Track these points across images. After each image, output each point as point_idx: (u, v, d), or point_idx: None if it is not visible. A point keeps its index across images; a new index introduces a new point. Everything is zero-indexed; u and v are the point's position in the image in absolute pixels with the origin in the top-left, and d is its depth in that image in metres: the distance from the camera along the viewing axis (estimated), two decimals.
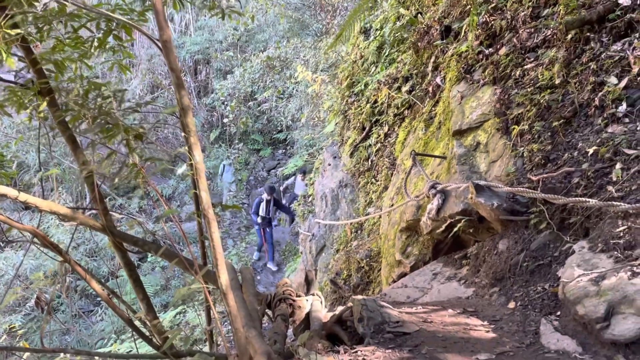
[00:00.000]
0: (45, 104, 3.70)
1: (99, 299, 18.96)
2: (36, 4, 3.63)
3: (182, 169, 3.45)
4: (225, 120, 24.83)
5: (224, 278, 3.63)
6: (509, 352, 3.68)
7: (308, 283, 11.57)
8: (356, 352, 3.78)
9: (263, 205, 17.75)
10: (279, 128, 26.38)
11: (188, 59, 28.51)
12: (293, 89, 20.98)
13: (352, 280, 8.08)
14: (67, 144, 3.87)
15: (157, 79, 27.01)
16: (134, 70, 27.34)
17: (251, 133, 27.38)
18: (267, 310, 5.06)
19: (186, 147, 3.41)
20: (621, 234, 3.94)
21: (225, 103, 24.28)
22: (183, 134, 3.48)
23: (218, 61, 28.39)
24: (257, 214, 17.93)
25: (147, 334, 4.34)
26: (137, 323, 4.32)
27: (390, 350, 3.74)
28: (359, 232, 9.15)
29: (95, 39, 3.99)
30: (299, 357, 3.75)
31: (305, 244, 12.20)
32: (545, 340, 3.78)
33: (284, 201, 20.42)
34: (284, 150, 28.10)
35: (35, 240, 3.80)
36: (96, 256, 20.54)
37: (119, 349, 13.32)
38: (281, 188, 22.43)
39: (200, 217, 3.83)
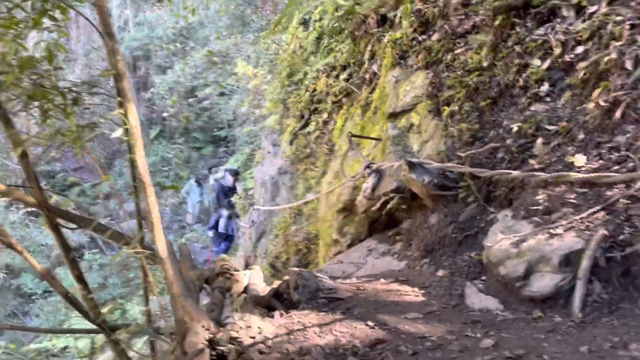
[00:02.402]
0: None
1: (34, 297, 18.47)
2: None
3: (117, 133, 3.48)
4: (165, 114, 24.54)
5: (160, 244, 3.67)
6: (436, 312, 3.87)
7: (247, 268, 11.56)
8: (291, 316, 3.89)
9: (223, 221, 15.62)
10: (220, 125, 26.22)
11: (127, 54, 28.06)
12: (234, 85, 20.92)
13: (291, 263, 8.20)
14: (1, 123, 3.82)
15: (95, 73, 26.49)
16: (71, 66, 26.73)
17: (192, 131, 27.11)
18: (205, 285, 5.10)
19: (121, 111, 3.44)
20: (540, 202, 4.18)
21: (166, 98, 24.01)
22: (118, 98, 3.52)
23: (158, 57, 28.04)
24: (215, 229, 15.98)
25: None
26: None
27: (323, 313, 3.87)
28: (298, 217, 9.27)
29: (30, 19, 3.96)
30: (234, 321, 3.82)
31: (245, 231, 12.24)
32: (470, 301, 3.99)
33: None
34: (225, 148, 27.94)
35: None
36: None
37: (54, 345, 13.04)
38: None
39: (135, 182, 3.84)
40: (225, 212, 15.69)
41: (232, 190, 15.69)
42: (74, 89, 3.59)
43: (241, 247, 13.26)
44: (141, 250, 3.63)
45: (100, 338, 4.61)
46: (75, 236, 19.14)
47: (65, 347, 13.15)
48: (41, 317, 17.22)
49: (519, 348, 3.09)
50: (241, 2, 22.27)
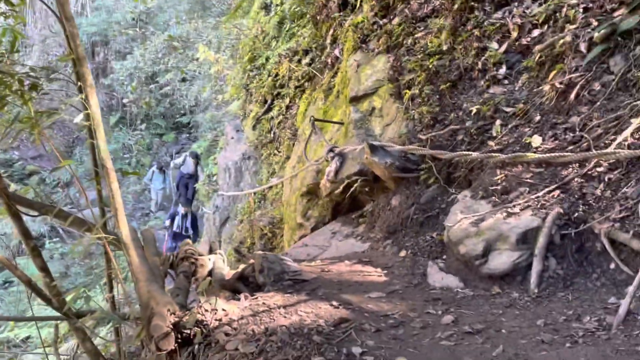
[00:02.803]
0: None
1: None
2: None
3: (78, 118, 3.45)
4: (125, 100, 24.15)
5: (124, 229, 3.66)
6: (398, 291, 3.95)
7: (212, 253, 11.54)
8: (256, 298, 3.92)
9: (178, 219, 13.96)
10: (182, 112, 25.91)
11: (85, 40, 27.47)
12: (196, 70, 20.69)
13: (256, 247, 8.23)
14: None
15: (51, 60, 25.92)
16: (27, 52, 26.09)
17: (153, 117, 26.73)
18: (169, 270, 5.09)
19: (82, 96, 3.41)
20: (499, 182, 4.29)
21: (126, 84, 23.62)
22: (79, 83, 3.48)
23: (117, 42, 27.53)
24: (171, 227, 14.32)
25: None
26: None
27: (288, 295, 3.91)
28: (262, 201, 9.30)
29: None
30: (199, 304, 3.83)
31: (209, 216, 12.21)
32: (431, 279, 4.08)
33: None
34: (187, 135, 27.63)
35: None
36: None
37: (17, 335, 12.84)
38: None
39: (96, 167, 3.82)
40: (181, 210, 14.15)
41: (192, 177, 15.07)
42: (31, 74, 3.54)
43: (205, 232, 13.23)
44: (104, 235, 3.61)
45: (65, 326, 4.58)
46: (35, 225, 18.81)
47: (28, 337, 12.96)
48: (2, 307, 16.93)
49: (478, 323, 3.19)
50: None
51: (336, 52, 7.89)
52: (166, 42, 21.35)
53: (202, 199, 15.82)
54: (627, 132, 3.76)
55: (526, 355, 2.77)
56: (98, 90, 27.31)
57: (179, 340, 3.48)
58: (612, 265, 3.38)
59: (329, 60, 8.04)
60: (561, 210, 3.67)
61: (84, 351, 4.51)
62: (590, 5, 4.78)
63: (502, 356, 2.79)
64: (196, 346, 3.44)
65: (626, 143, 3.71)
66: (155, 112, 26.50)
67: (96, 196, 4.35)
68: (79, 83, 3.40)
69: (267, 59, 9.89)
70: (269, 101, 9.83)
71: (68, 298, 4.43)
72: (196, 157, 16.60)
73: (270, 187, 8.59)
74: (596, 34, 4.45)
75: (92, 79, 3.43)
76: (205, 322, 3.52)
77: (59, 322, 5.16)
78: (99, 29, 27.34)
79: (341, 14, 7.84)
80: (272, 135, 9.49)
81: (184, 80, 22.45)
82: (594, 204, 3.65)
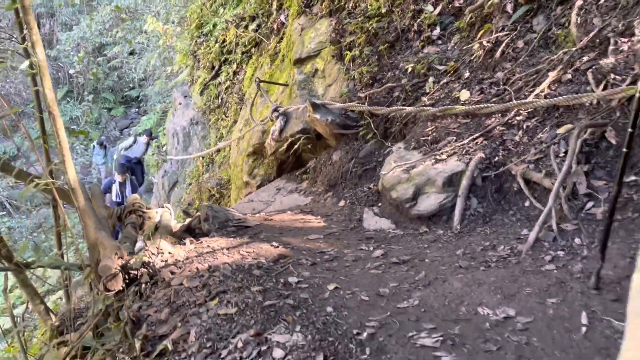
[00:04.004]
0: None
1: None
2: None
3: (24, 64, 3.55)
4: (72, 72, 23.71)
5: (71, 173, 3.80)
6: (335, 233, 4.22)
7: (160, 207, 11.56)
8: (201, 242, 4.13)
9: (115, 188, 12.32)
10: (130, 85, 25.62)
11: None
12: (144, 43, 20.46)
13: None
14: None
15: None
16: None
17: (102, 91, 26.32)
18: (117, 222, 5.23)
19: (28, 44, 3.52)
20: (429, 133, 4.58)
21: (72, 54, 23.19)
22: (25, 31, 3.59)
23: (63, 14, 26.91)
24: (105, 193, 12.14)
25: None
26: None
27: (232, 238, 4.14)
28: (210, 165, 9.45)
29: None
30: (146, 248, 4.02)
31: (158, 180, 12.26)
32: (367, 223, 4.36)
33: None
34: (137, 109, 27.33)
35: None
36: None
37: None
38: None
39: (41, 114, 3.92)
40: (118, 178, 12.31)
41: (138, 163, 13.48)
42: None
43: (154, 197, 13.25)
44: (52, 180, 3.74)
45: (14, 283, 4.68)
46: None
47: None
48: None
49: (405, 255, 3.48)
50: None
51: (282, 17, 8.05)
52: (113, 13, 21.00)
53: (151, 169, 15.76)
54: (544, 84, 4.08)
55: (445, 278, 3.06)
56: None
57: (127, 281, 3.67)
58: (527, 203, 3.71)
59: (275, 26, 8.20)
60: (483, 155, 3.98)
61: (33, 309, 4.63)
62: None
63: (424, 280, 3.09)
64: (143, 285, 3.63)
65: (543, 94, 4.03)
66: (104, 85, 26.12)
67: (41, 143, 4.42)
68: (25, 32, 3.51)
69: (215, 25, 9.97)
70: (217, 67, 9.93)
71: (18, 246, 4.54)
72: (150, 136, 15.05)
73: (218, 151, 8.75)
74: None
75: (37, 29, 3.53)
76: (151, 263, 3.72)
77: (6, 272, 5.24)
78: (44, 0, 26.69)
79: None
80: (219, 100, 9.62)
81: (132, 53, 22.16)
82: (512, 148, 3.97)
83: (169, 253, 3.91)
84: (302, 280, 3.23)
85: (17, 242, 19.00)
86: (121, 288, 3.71)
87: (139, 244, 4.68)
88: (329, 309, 2.79)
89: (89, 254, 3.96)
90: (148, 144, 13.09)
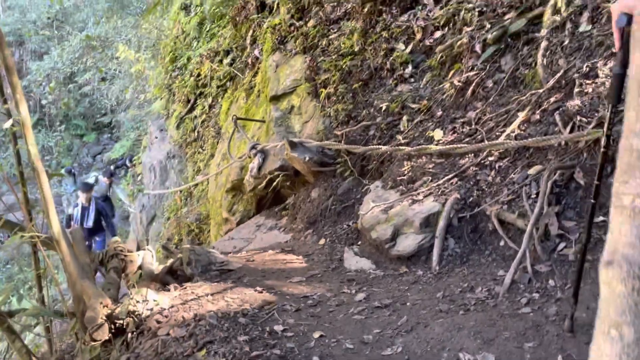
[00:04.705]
0: None
1: None
2: None
3: (8, 123, 3.61)
4: (44, 102, 23.56)
5: (55, 226, 3.85)
6: (317, 275, 4.31)
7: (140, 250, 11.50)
8: (185, 288, 4.19)
9: (76, 211, 11.12)
10: (103, 111, 25.47)
11: None
12: (116, 69, 20.44)
13: (184, 243, 8.44)
14: None
15: None
16: None
17: (73, 118, 26.16)
18: (99, 267, 5.25)
19: (12, 104, 3.57)
20: (405, 172, 4.72)
21: (43, 85, 23.06)
22: (8, 91, 3.64)
23: (33, 42, 26.77)
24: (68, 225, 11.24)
25: None
26: None
27: (216, 283, 4.20)
28: (188, 199, 9.50)
29: None
30: (131, 296, 4.06)
31: (136, 215, 12.23)
32: (347, 263, 4.46)
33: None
34: (109, 135, 27.18)
35: None
36: None
37: None
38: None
39: (21, 171, 3.97)
40: (81, 199, 11.22)
41: (105, 200, 12.26)
42: None
43: (132, 231, 13.22)
44: (37, 234, 3.78)
45: None
46: None
47: None
48: None
49: (387, 298, 3.59)
50: None
51: (256, 52, 8.18)
52: (84, 42, 20.97)
53: (127, 201, 15.64)
54: (514, 125, 4.24)
55: (426, 322, 3.17)
56: None
57: (113, 331, 3.71)
58: (502, 243, 3.84)
59: (250, 60, 8.32)
60: (458, 196, 4.11)
61: (14, 351, 4.63)
62: (484, 9, 5.26)
63: (406, 325, 3.19)
64: (129, 335, 3.67)
65: (513, 134, 4.19)
66: (75, 112, 25.95)
67: (20, 199, 4.46)
68: (8, 91, 3.57)
69: (189, 59, 10.08)
70: (192, 100, 10.02)
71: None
72: (111, 176, 13.70)
73: (196, 185, 8.81)
74: (489, 36, 4.93)
75: (21, 88, 3.59)
76: (137, 312, 3.76)
77: None
78: (13, 28, 26.51)
79: (259, 15, 8.13)
80: (196, 134, 9.69)
81: (103, 79, 22.12)
82: (486, 189, 4.11)
83: (154, 301, 3.95)
84: (288, 328, 3.31)
85: None
86: (107, 338, 3.74)
87: (123, 291, 4.71)
88: (315, 358, 2.88)
89: (74, 303, 3.99)
90: (110, 184, 12.70)
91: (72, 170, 19.03)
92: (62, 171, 18.71)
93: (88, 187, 11.32)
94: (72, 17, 25.94)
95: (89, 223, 10.89)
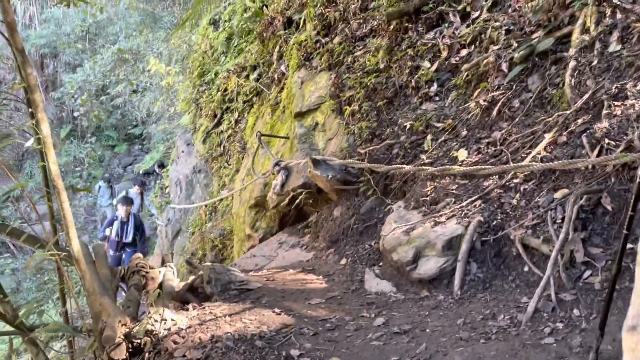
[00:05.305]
0: None
1: None
2: None
3: (29, 142, 3.64)
4: (76, 114, 23.95)
5: (75, 245, 3.86)
6: (337, 297, 4.25)
7: (163, 266, 11.53)
8: (204, 307, 4.17)
9: (116, 225, 11.10)
10: (134, 123, 25.82)
11: (34, 52, 27.10)
12: (147, 82, 20.71)
13: (207, 259, 8.45)
14: None
15: None
16: None
17: (105, 129, 26.55)
18: (121, 283, 5.27)
19: (33, 122, 3.60)
20: (428, 193, 4.64)
21: (76, 97, 23.45)
22: (30, 109, 3.68)
23: (67, 55, 27.28)
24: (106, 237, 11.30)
25: None
26: None
27: (234, 304, 4.17)
28: (213, 214, 9.52)
29: None
30: (149, 315, 4.05)
31: (162, 229, 12.32)
32: (368, 285, 4.39)
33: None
34: (140, 146, 27.52)
35: None
36: None
37: None
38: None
39: (47, 188, 4.00)
40: (121, 213, 11.19)
41: (126, 223, 11.38)
42: None
43: (158, 245, 13.31)
44: (57, 252, 3.80)
45: (18, 341, 4.72)
46: None
47: None
48: None
49: (406, 324, 3.51)
50: None
51: (282, 68, 8.19)
52: (116, 55, 21.30)
53: (155, 211, 15.77)
54: (540, 146, 4.14)
55: (446, 351, 3.09)
56: (48, 103, 27.04)
57: (130, 350, 3.70)
58: (526, 268, 3.74)
59: (276, 76, 8.34)
60: (482, 219, 4.03)
61: None
62: (512, 27, 5.19)
63: (425, 353, 3.11)
64: (146, 355, 3.65)
65: (539, 156, 4.09)
66: (107, 123, 26.33)
67: (47, 211, 4.50)
68: (30, 109, 3.60)
69: (216, 74, 10.14)
70: (219, 115, 10.07)
71: (21, 312, 4.59)
72: (142, 185, 13.66)
73: (221, 200, 8.83)
74: (516, 55, 4.85)
75: (40, 94, 3.62)
76: (155, 332, 3.74)
77: (12, 336, 5.28)
78: (48, 41, 27.06)
79: (286, 31, 8.14)
80: (222, 148, 9.73)
81: (135, 92, 22.43)
82: (510, 212, 4.01)
83: (172, 320, 3.93)
84: (304, 352, 3.26)
85: (22, 284, 19.00)
86: (125, 357, 3.73)
87: (143, 309, 4.71)
88: None
89: (93, 322, 3.99)
90: (142, 194, 12.53)
91: (111, 181, 18.44)
92: (100, 182, 18.14)
93: (129, 202, 11.32)
94: (105, 30, 26.40)
95: (128, 238, 10.92)
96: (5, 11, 3.53)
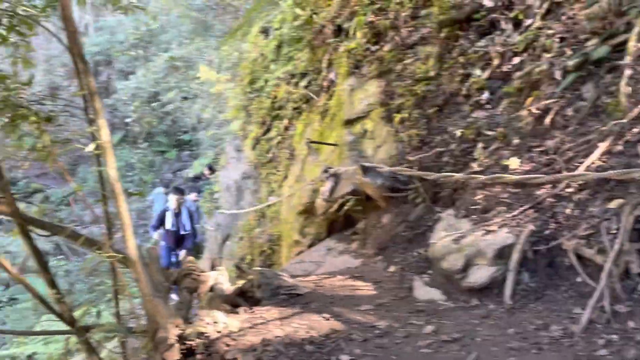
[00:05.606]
0: None
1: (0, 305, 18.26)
2: None
3: (90, 147, 3.77)
4: (128, 120, 24.55)
5: (132, 248, 3.98)
6: (386, 303, 4.26)
7: (213, 270, 11.67)
8: (254, 311, 4.24)
9: (169, 216, 11.07)
10: (184, 129, 26.29)
11: (88, 60, 27.81)
12: (197, 89, 21.06)
13: (256, 263, 8.55)
14: None
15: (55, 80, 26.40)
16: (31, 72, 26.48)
17: (156, 135, 27.11)
18: (172, 286, 5.39)
19: (94, 128, 3.74)
20: (479, 201, 4.61)
21: (128, 104, 24.03)
22: (89, 116, 3.82)
23: (120, 62, 28.01)
24: (157, 228, 11.33)
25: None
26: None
27: (284, 308, 4.23)
28: (261, 219, 9.61)
29: None
30: (201, 318, 4.14)
31: (211, 234, 12.51)
32: (417, 293, 4.39)
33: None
34: (189, 152, 27.98)
35: None
36: None
37: (22, 351, 13.05)
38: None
39: (104, 192, 4.14)
40: (172, 203, 11.04)
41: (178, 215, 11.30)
42: (50, 110, 3.87)
43: (207, 249, 13.51)
44: (115, 254, 3.92)
45: (75, 340, 4.87)
46: (40, 243, 19.16)
47: (33, 354, 13.18)
48: (8, 324, 17.14)
49: (456, 332, 3.50)
50: (203, 7, 22.44)
51: (331, 75, 8.24)
52: (168, 63, 21.77)
53: (204, 215, 15.96)
54: (594, 156, 4.08)
55: None
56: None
57: (183, 351, 3.78)
58: (579, 279, 3.69)
59: (325, 84, 8.38)
60: (534, 228, 3.98)
61: None
62: (566, 35, 5.11)
63: None
64: (198, 356, 3.73)
65: (594, 166, 4.03)
66: (158, 129, 26.82)
67: (101, 214, 4.65)
68: (91, 116, 3.74)
69: (266, 81, 10.25)
70: (268, 122, 10.17)
71: (77, 313, 4.74)
72: (198, 193, 13.38)
73: (270, 206, 8.92)
74: (570, 63, 4.78)
75: (103, 113, 3.75)
76: (206, 334, 3.83)
77: (68, 336, 5.45)
78: (102, 48, 27.81)
79: (336, 39, 8.18)
80: (270, 155, 9.82)
81: (185, 98, 22.81)
82: (563, 222, 3.96)
83: (224, 323, 4.01)
84: (354, 359, 3.28)
85: (74, 285, 19.47)
86: (178, 358, 3.82)
87: (194, 311, 4.80)
88: None
89: (147, 322, 4.10)
90: (180, 203, 11.37)
91: (169, 185, 18.00)
92: (159, 188, 17.03)
93: (179, 191, 11.28)
94: (157, 38, 26.99)
95: (183, 229, 10.96)
96: (67, 20, 3.68)
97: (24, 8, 4.17)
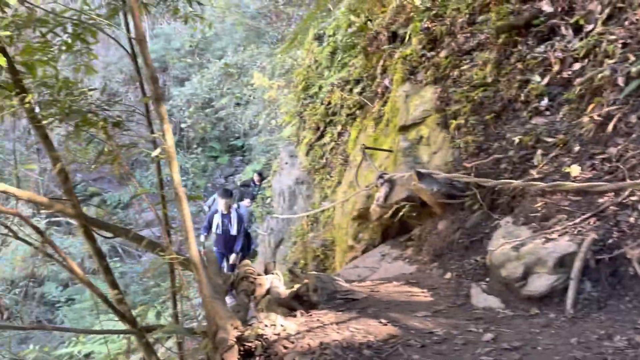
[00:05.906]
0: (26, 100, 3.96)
1: (58, 305, 18.83)
2: (7, 10, 3.91)
3: (156, 152, 3.89)
4: (183, 125, 25.08)
5: (194, 251, 4.08)
6: (443, 310, 4.24)
7: (268, 274, 11.76)
8: (311, 315, 4.27)
9: (217, 218, 11.08)
10: (236, 135, 26.69)
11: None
12: (250, 95, 21.37)
13: (309, 268, 8.61)
14: (40, 140, 4.15)
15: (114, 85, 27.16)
16: (89, 78, 27.32)
17: (209, 140, 27.61)
18: (230, 289, 5.50)
19: (159, 133, 3.85)
20: (539, 209, 4.55)
21: (183, 110, 24.54)
22: (158, 120, 3.93)
23: (175, 69, 28.65)
24: (209, 231, 11.35)
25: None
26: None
27: (340, 312, 4.25)
28: (314, 224, 9.69)
29: (62, 43, 4.32)
30: (259, 320, 4.20)
31: (264, 238, 12.65)
32: (475, 300, 4.36)
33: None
34: (241, 157, 28.39)
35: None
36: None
37: (80, 351, 13.43)
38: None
39: (162, 195, 4.25)
40: (222, 205, 10.98)
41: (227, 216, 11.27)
42: (117, 116, 4.01)
43: (261, 253, 13.67)
44: (178, 256, 4.03)
45: (134, 339, 5.02)
46: None
47: (90, 353, 13.56)
48: (66, 323, 17.67)
49: (516, 341, 3.46)
50: (256, 15, 22.78)
51: (386, 82, 8.26)
52: (222, 69, 22.14)
53: (256, 221, 16.15)
54: None
55: None
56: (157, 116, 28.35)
57: (242, 352, 3.85)
58: None
59: (379, 90, 8.41)
60: (596, 237, 3.91)
61: None
62: (629, 41, 5.01)
63: None
64: (257, 358, 3.79)
65: None
66: (211, 135, 27.26)
67: (154, 217, 4.79)
68: (158, 120, 3.86)
69: (320, 87, 10.35)
70: (322, 128, 10.26)
71: (136, 311, 4.88)
72: (253, 199, 13.59)
73: (323, 211, 8.98)
74: (633, 69, 4.68)
75: (167, 118, 3.87)
76: (265, 336, 3.88)
77: (129, 335, 5.60)
78: (158, 55, 28.47)
79: (391, 46, 8.21)
80: (324, 161, 9.90)
81: (238, 104, 23.14)
82: (627, 231, 3.88)
83: (282, 326, 4.06)
84: None
85: (129, 287, 19.94)
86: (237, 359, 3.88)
87: (252, 313, 4.88)
88: None
89: (206, 323, 4.18)
90: (229, 206, 11.31)
91: (232, 192, 17.05)
92: (217, 194, 16.31)
93: (227, 194, 11.23)
94: (212, 45, 27.49)
95: (233, 231, 10.89)
96: (137, 28, 3.80)
97: (89, 16, 4.30)
